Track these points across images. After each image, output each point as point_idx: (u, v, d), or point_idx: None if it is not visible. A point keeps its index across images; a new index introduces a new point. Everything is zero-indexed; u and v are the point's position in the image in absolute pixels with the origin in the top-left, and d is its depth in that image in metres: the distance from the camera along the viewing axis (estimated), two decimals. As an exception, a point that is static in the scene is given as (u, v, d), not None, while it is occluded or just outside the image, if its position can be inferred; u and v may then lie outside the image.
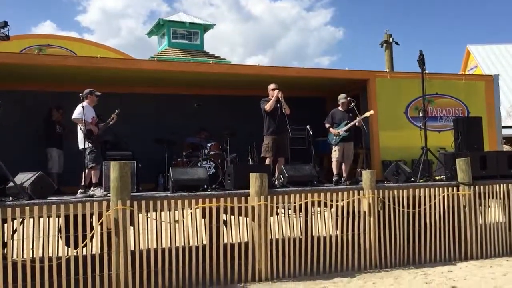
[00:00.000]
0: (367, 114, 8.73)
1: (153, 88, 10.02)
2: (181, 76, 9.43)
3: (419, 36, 72.92)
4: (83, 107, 6.85)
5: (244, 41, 79.86)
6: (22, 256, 5.67)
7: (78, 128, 6.97)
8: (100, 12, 68.93)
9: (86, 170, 6.80)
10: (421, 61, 7.96)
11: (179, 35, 21.74)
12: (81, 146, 6.94)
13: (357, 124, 8.36)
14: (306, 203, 6.73)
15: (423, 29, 73.95)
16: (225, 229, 6.55)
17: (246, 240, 6.48)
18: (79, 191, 6.58)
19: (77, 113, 6.89)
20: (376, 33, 72.72)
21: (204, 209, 6.36)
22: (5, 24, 5.75)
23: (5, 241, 5.52)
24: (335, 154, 8.35)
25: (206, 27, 22.29)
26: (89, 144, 6.85)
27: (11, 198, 5.74)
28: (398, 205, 7.16)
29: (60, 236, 5.87)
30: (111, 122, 7.37)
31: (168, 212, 6.05)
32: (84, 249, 5.65)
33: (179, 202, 6.09)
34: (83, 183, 6.68)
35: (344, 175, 8.35)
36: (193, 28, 21.81)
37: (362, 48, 78.27)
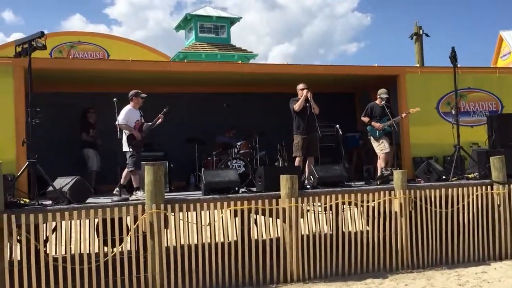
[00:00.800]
0: (413, 111, 8.73)
1: (183, 88, 10.15)
2: (210, 75, 9.52)
3: (450, 21, 71.07)
4: (127, 110, 7.02)
5: (271, 30, 79.54)
6: (62, 254, 5.87)
7: (123, 130, 7.09)
8: (128, 4, 69.74)
9: (125, 171, 7.02)
10: (453, 58, 7.82)
11: (206, 29, 21.86)
12: (124, 149, 7.13)
13: (402, 118, 8.58)
14: (337, 204, 6.76)
15: (453, 13, 72.04)
16: (256, 230, 6.62)
17: (276, 241, 6.55)
18: (115, 190, 6.83)
19: (121, 118, 7.03)
20: (405, 17, 71.19)
21: (236, 210, 6.47)
22: (42, 34, 5.92)
23: (45, 237, 5.78)
24: (383, 145, 8.34)
25: (232, 21, 22.33)
26: (130, 148, 7.03)
27: (51, 202, 5.97)
28: (430, 205, 7.10)
29: (98, 238, 6.06)
30: (157, 122, 7.33)
31: (200, 214, 6.18)
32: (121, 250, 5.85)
33: (211, 204, 6.21)
34: (121, 183, 6.93)
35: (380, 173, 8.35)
36: (220, 22, 21.90)
37: (390, 34, 76.84)
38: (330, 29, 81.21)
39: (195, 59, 19.76)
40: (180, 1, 79.92)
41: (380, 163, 8.38)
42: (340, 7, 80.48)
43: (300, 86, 8.06)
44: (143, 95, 7.31)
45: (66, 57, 19.19)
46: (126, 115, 7.09)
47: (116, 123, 6.96)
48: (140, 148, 7.22)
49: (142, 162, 8.12)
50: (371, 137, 8.55)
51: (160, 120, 7.31)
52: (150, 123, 7.33)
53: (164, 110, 7.28)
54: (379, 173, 8.40)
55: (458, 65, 8.41)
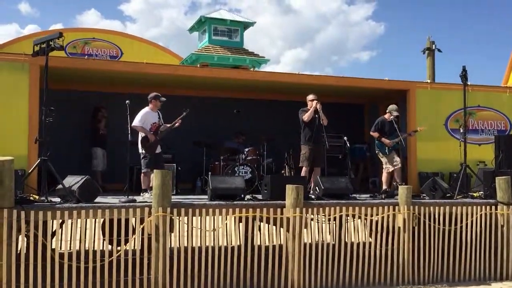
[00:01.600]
0: (420, 129, 8.79)
1: (194, 91, 10.27)
2: (222, 81, 9.62)
3: (463, 34, 70.80)
4: (144, 113, 7.17)
5: (284, 34, 79.58)
6: (67, 250, 5.97)
7: (139, 132, 7.22)
8: (143, 2, 70.09)
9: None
10: (464, 77, 7.85)
11: (219, 32, 21.94)
12: (140, 150, 7.26)
13: (411, 136, 8.81)
14: (341, 216, 6.81)
15: (468, 27, 71.73)
16: (259, 238, 6.69)
17: (279, 249, 6.61)
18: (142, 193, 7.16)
19: (137, 120, 7.13)
20: (418, 29, 70.96)
21: (240, 216, 6.55)
22: (60, 35, 6.04)
23: (53, 231, 5.86)
24: (396, 161, 8.40)
25: (246, 25, 22.39)
26: (143, 150, 7.13)
27: (60, 199, 6.07)
28: (434, 222, 7.14)
29: (104, 238, 6.16)
30: (176, 125, 7.40)
31: (206, 219, 6.26)
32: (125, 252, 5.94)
33: (217, 210, 6.29)
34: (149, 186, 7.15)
35: (385, 187, 8.41)
36: (234, 26, 21.96)
37: (403, 44, 76.59)
38: (344, 36, 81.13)
39: (207, 61, 19.84)
40: (195, 1, 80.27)
41: (394, 179, 8.47)
42: (354, 14, 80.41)
43: (310, 97, 8.13)
44: (163, 98, 7.39)
45: (81, 55, 19.50)
46: (143, 117, 7.21)
47: (132, 124, 7.05)
48: (153, 150, 7.30)
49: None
50: (380, 153, 8.57)
51: (177, 124, 7.39)
52: (169, 125, 7.40)
53: (184, 113, 7.36)
54: (384, 187, 8.44)
55: (469, 83, 8.44)
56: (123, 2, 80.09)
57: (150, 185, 7.13)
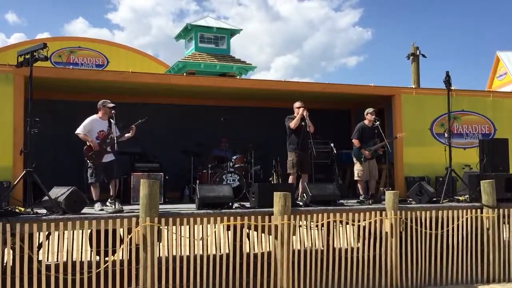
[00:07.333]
0: (399, 136, 8.84)
1: (181, 99, 10.27)
2: (209, 89, 9.64)
3: (448, 40, 71.76)
4: (90, 120, 7.03)
5: (272, 41, 79.97)
6: (54, 262, 5.92)
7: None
8: (130, 10, 69.98)
9: (112, 182, 7.09)
10: (447, 82, 7.96)
11: (206, 40, 21.97)
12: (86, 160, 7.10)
13: (393, 140, 8.63)
14: (329, 222, 6.84)
15: (452, 32, 72.75)
16: (248, 246, 6.69)
17: (268, 256, 6.61)
18: (108, 201, 6.97)
19: (80, 127, 6.94)
20: (405, 34, 71.80)
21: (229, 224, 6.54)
22: (44, 46, 6.01)
23: (40, 242, 5.79)
24: (362, 174, 8.33)
25: (232, 32, 22.44)
26: (87, 159, 6.99)
27: (46, 211, 6.02)
28: (421, 226, 7.20)
29: (91, 249, 6.12)
30: (127, 134, 7.17)
31: (193, 228, 6.25)
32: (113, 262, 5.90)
33: (205, 219, 6.28)
34: (111, 194, 7.03)
35: (371, 192, 8.38)
36: (220, 33, 21.99)
37: (390, 49, 77.39)
38: (331, 42, 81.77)
39: (194, 69, 19.86)
40: (183, 9, 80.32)
41: (359, 189, 8.41)
42: (341, 21, 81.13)
43: (297, 104, 8.16)
44: (110, 104, 7.06)
45: (66, 64, 19.39)
46: (87, 125, 6.99)
47: (76, 131, 6.94)
48: (99, 160, 7.02)
49: (138, 173, 8.22)
50: (356, 160, 8.45)
51: (131, 132, 7.15)
52: (119, 134, 7.09)
53: (140, 120, 7.15)
54: (370, 192, 8.41)
55: (453, 88, 8.53)
56: (111, 11, 79.93)
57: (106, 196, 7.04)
